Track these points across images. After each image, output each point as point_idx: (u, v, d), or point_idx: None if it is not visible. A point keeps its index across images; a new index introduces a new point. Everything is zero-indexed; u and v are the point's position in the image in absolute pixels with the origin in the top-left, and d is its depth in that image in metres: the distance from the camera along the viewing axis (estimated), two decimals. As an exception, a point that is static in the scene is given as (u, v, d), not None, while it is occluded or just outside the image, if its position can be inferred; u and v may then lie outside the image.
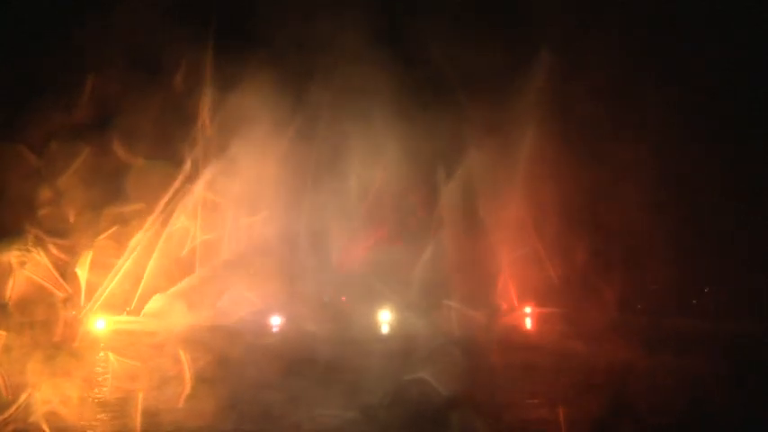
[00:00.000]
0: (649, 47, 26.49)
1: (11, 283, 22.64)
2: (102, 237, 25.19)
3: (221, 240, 27.53)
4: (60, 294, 24.54)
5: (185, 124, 26.65)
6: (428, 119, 27.14)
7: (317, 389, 14.74)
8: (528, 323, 27.59)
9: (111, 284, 25.53)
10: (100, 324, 24.93)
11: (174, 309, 25.69)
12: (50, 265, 24.15)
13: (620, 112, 26.49)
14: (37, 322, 22.27)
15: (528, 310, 27.85)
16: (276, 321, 26.64)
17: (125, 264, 25.66)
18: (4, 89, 24.63)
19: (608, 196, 26.00)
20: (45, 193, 24.56)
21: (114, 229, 25.50)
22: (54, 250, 24.38)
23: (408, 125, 27.34)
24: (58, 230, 24.69)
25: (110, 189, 25.56)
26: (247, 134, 26.83)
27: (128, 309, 25.97)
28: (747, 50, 25.87)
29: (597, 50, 25.61)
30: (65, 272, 24.74)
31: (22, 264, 23.26)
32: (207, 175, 27.13)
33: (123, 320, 25.75)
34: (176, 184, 26.53)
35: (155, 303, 25.99)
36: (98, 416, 12.83)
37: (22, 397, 13.18)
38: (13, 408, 12.60)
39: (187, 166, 26.72)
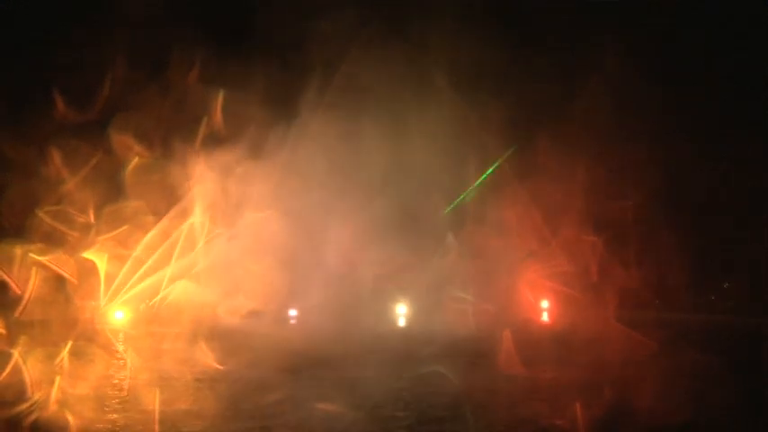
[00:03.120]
0: (655, 50, 26.29)
1: (32, 276, 22.93)
2: (119, 231, 25.43)
3: (233, 236, 27.57)
4: (80, 287, 24.87)
5: (197, 122, 26.69)
6: (442, 117, 27.09)
7: (327, 386, 14.74)
8: (545, 317, 27.53)
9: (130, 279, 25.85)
10: (119, 315, 25.27)
11: (187, 303, 25.93)
12: (70, 259, 24.44)
13: (633, 112, 26.28)
14: (57, 315, 22.60)
15: (545, 304, 27.77)
16: (292, 314, 26.79)
17: (142, 259, 25.90)
18: (26, 89, 24.99)
19: (624, 194, 25.85)
20: (63, 189, 24.81)
21: (130, 224, 25.72)
22: (73, 244, 24.68)
23: (421, 123, 27.29)
24: (78, 225, 24.97)
25: (127, 185, 25.77)
26: (256, 131, 26.83)
27: (146, 302, 26.25)
28: (752, 51, 25.77)
29: (603, 52, 25.51)
30: (84, 265, 25.04)
31: (43, 258, 23.54)
32: (218, 172, 27.13)
33: (141, 313, 26.08)
34: (190, 180, 26.67)
35: (169, 297, 26.23)
36: (114, 407, 12.95)
37: (43, 387, 13.40)
38: (35, 398, 12.79)
39: (200, 162, 26.80)
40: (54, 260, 23.73)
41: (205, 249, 26.81)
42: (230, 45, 25.90)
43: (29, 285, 22.54)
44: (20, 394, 13.15)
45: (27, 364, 14.75)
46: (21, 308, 22.22)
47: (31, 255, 23.07)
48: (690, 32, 25.87)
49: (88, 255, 25.17)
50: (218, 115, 26.53)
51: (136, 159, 25.64)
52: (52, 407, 12.51)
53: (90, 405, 12.76)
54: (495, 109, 26.18)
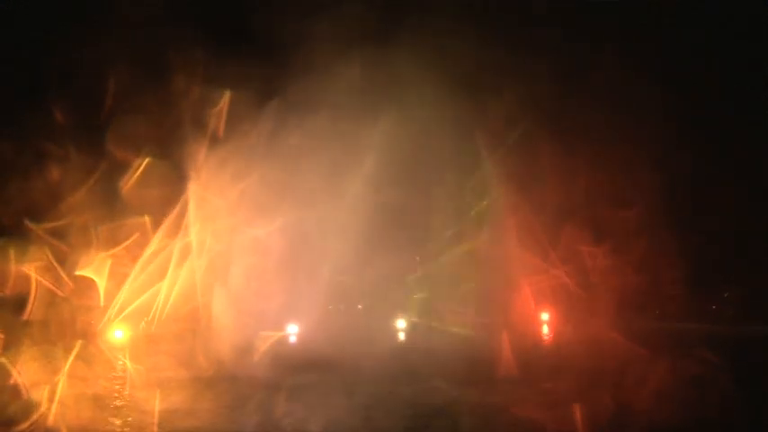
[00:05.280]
0: (655, 50, 26.51)
1: (31, 293, 22.96)
2: (120, 247, 25.42)
3: (234, 249, 27.52)
4: (78, 302, 24.83)
5: (201, 132, 26.74)
6: (443, 123, 27.18)
7: (329, 399, 14.70)
8: (545, 329, 27.47)
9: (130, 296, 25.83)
10: (118, 334, 25.21)
11: (188, 317, 25.92)
12: (69, 275, 24.43)
13: (633, 117, 26.42)
14: (56, 331, 22.54)
15: (545, 316, 27.73)
16: (292, 330, 26.72)
17: (141, 275, 25.89)
18: (24, 99, 25.12)
19: (624, 203, 25.90)
20: (64, 204, 24.81)
21: (132, 239, 25.71)
22: (72, 259, 24.68)
23: (423, 132, 27.36)
24: (77, 240, 24.96)
25: (127, 200, 25.77)
26: (259, 139, 26.90)
27: (145, 319, 26.17)
28: (750, 50, 25.97)
29: (602, 53, 25.71)
30: (83, 281, 25.02)
31: (42, 274, 23.56)
32: (220, 184, 27.14)
33: (141, 330, 26.01)
34: (190, 194, 26.72)
35: (170, 312, 26.18)
36: (112, 420, 12.93)
37: (43, 403, 13.38)
38: (35, 414, 12.76)
39: (202, 176, 26.85)
40: (52, 277, 23.75)
41: (204, 265, 26.79)
42: (233, 48, 25.79)
43: (27, 302, 22.62)
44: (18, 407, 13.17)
45: (22, 375, 14.79)
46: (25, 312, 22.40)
47: (31, 271, 23.13)
48: (690, 33, 26.05)
49: (87, 272, 25.14)
50: (221, 126, 26.58)
51: (135, 172, 25.63)
52: (48, 422, 12.50)
53: (85, 420, 12.75)
54: (496, 116, 26.34)
